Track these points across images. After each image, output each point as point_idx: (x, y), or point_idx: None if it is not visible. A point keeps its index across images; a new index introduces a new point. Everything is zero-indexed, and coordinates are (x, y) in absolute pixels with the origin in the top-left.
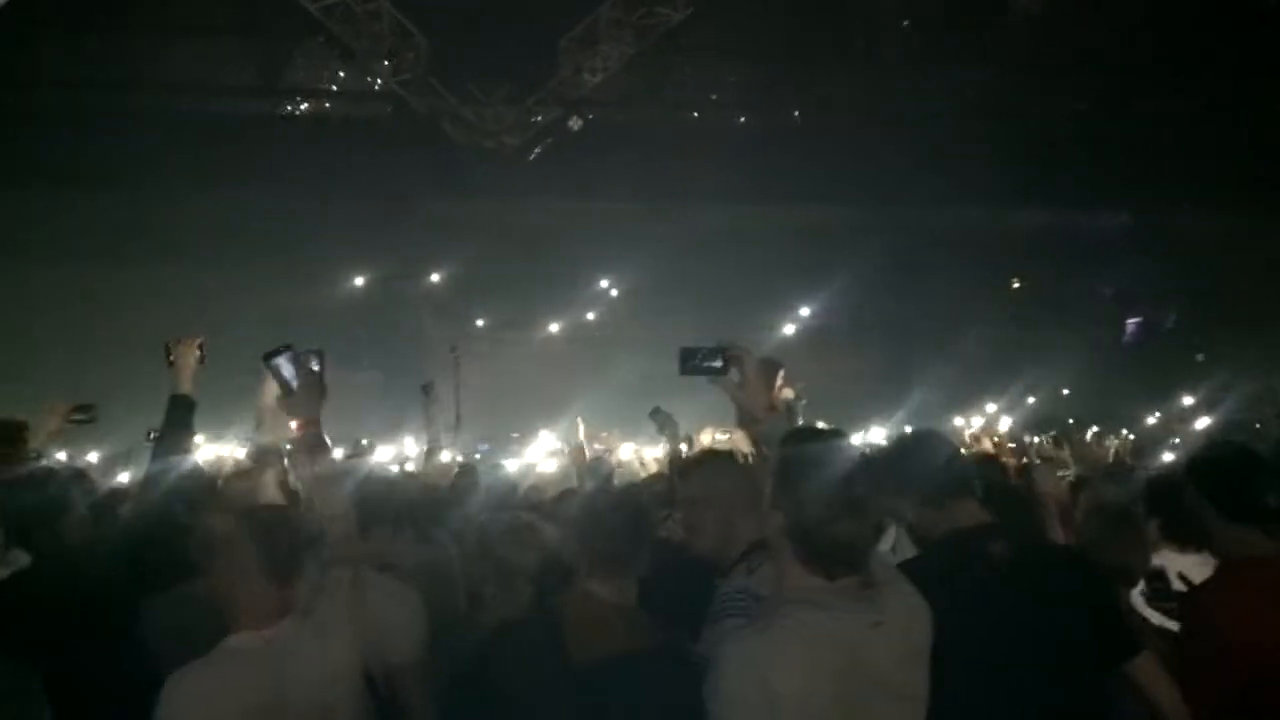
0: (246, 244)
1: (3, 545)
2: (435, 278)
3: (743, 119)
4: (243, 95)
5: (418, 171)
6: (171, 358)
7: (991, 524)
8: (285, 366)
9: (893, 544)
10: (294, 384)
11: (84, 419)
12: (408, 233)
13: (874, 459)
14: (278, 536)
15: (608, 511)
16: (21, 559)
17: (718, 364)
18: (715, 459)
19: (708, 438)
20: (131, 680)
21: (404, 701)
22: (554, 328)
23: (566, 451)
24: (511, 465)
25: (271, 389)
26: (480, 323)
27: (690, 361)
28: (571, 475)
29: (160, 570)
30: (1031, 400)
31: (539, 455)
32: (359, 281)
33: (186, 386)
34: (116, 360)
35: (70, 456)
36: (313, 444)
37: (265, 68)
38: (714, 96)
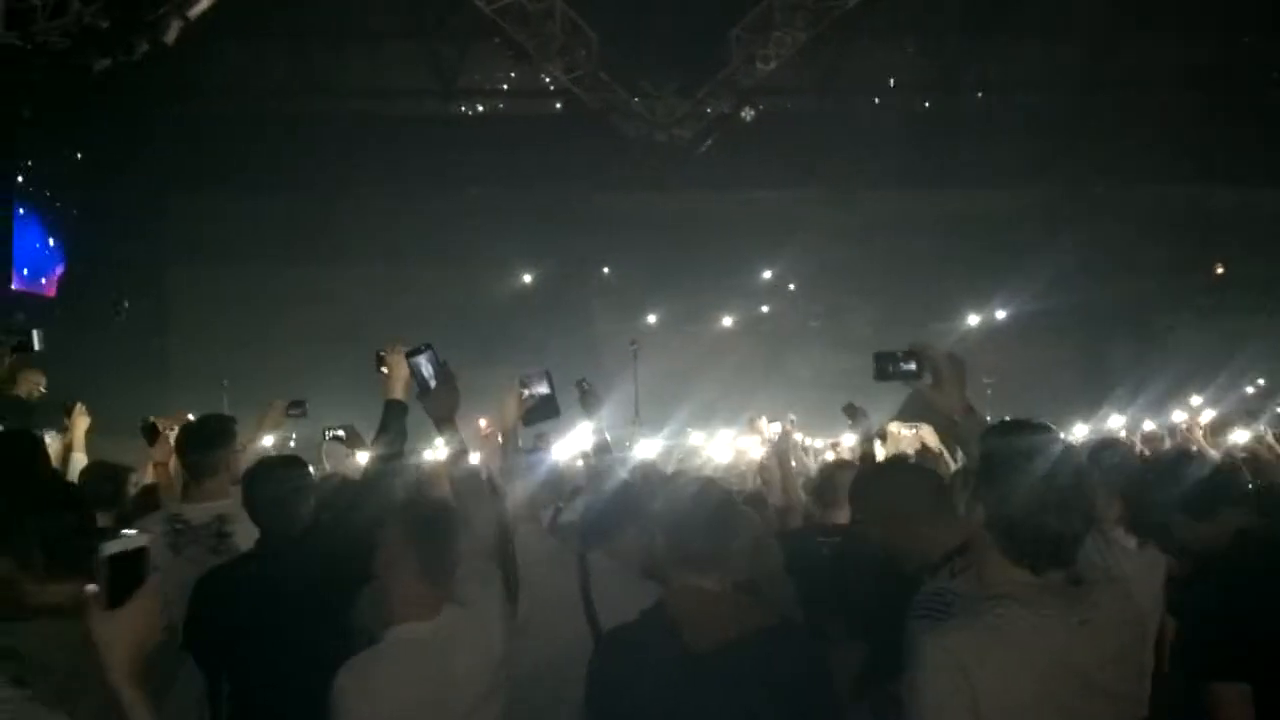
0: (422, 243)
1: (218, 529)
2: (607, 272)
3: (924, 103)
4: (417, 98)
5: (589, 167)
6: (384, 366)
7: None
8: (425, 365)
9: None
10: (432, 382)
11: (298, 414)
12: (580, 228)
13: (1138, 476)
14: (434, 533)
15: (692, 509)
16: (245, 539)
17: (912, 367)
18: (898, 467)
19: (895, 431)
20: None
21: None
22: (727, 321)
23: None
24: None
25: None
26: (653, 317)
27: (885, 366)
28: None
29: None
30: (1250, 391)
31: (717, 449)
32: (532, 278)
33: (399, 393)
34: (298, 355)
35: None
36: (450, 441)
37: (439, 70)
38: (892, 80)
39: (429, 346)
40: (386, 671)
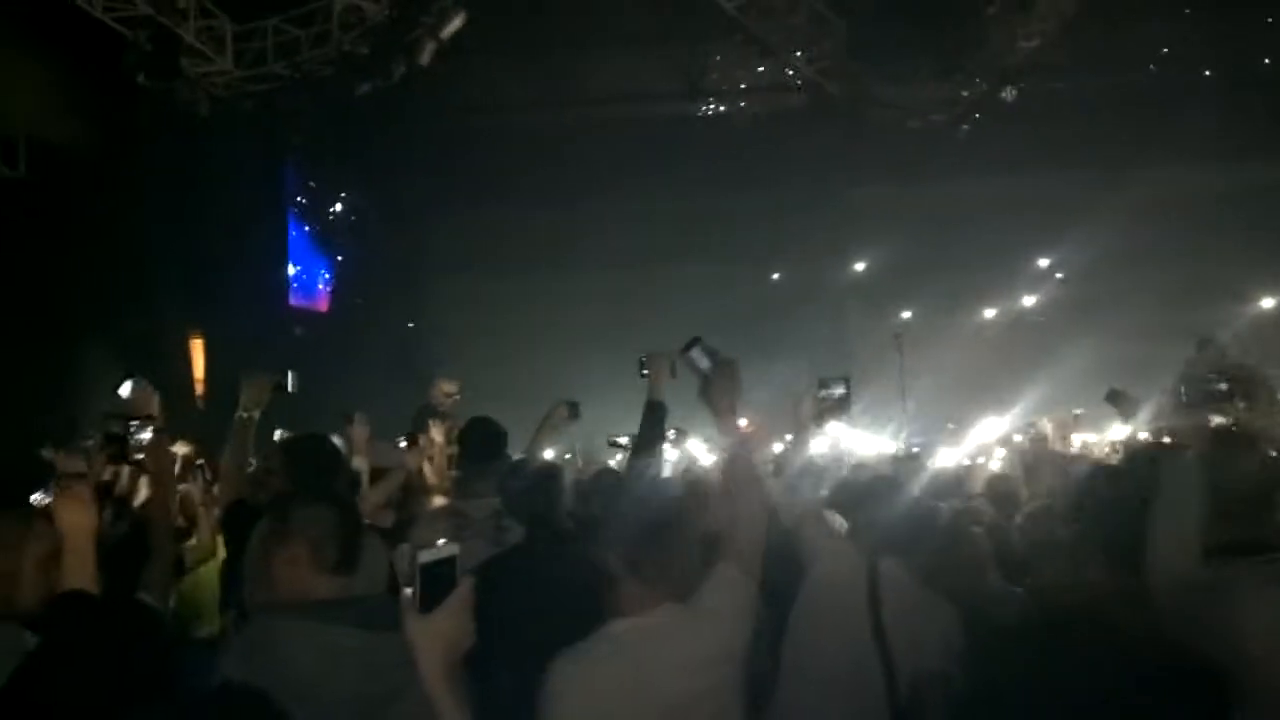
0: (672, 246)
1: (495, 523)
2: (860, 266)
3: (1206, 72)
4: (662, 101)
5: (839, 159)
6: (645, 371)
7: None
8: (700, 358)
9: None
10: (710, 375)
11: (573, 416)
12: (830, 223)
13: None
14: (653, 531)
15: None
16: (516, 533)
17: (1223, 388)
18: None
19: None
20: None
21: (922, 705)
22: (990, 313)
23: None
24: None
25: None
26: (909, 312)
27: (1194, 389)
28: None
29: None
30: None
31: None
32: (782, 275)
33: (660, 395)
34: (559, 360)
35: None
36: (728, 433)
37: (683, 72)
38: (1165, 50)
39: (698, 340)
40: (596, 665)
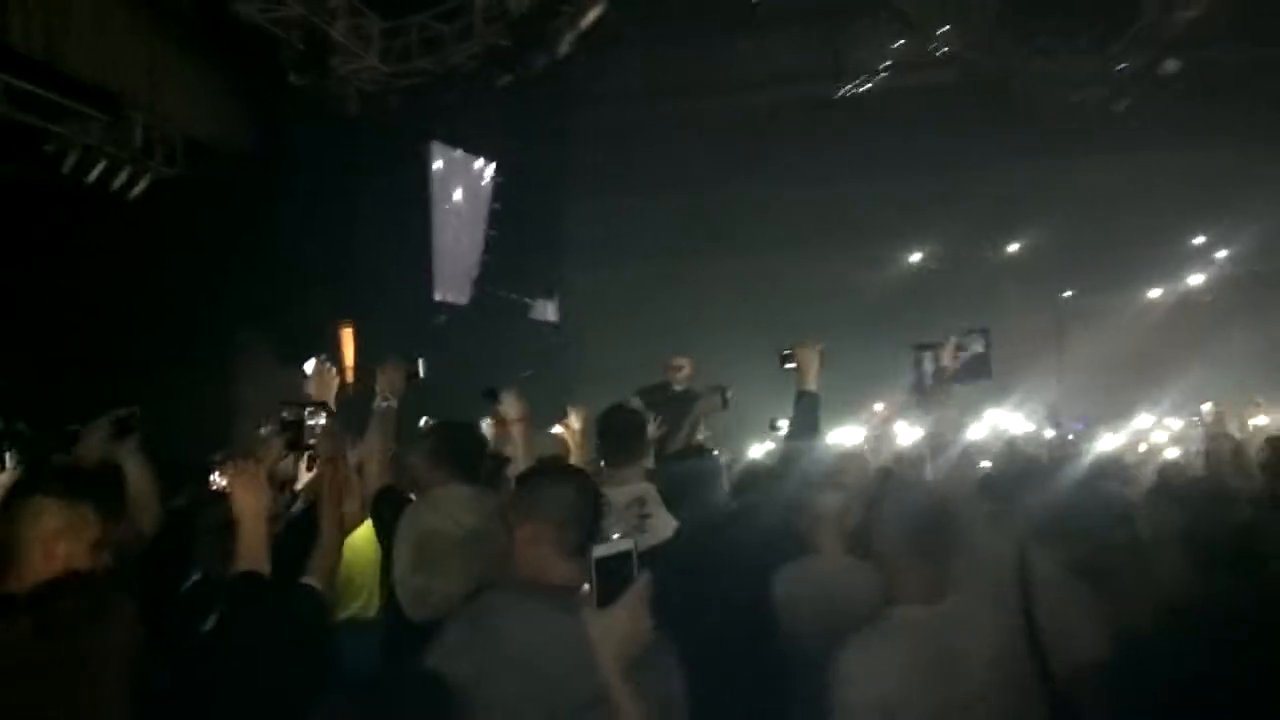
0: (817, 229)
1: (638, 511)
2: (1014, 247)
3: None
4: (805, 82)
5: (989, 136)
6: (792, 362)
7: None
8: (928, 363)
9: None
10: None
11: (724, 406)
12: (981, 203)
13: None
14: (930, 515)
15: None
16: (669, 524)
17: None
18: None
19: None
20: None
21: (1081, 702)
22: (1153, 293)
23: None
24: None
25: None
26: (1067, 293)
27: None
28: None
29: (784, 544)
30: None
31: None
32: (930, 257)
33: (810, 384)
34: (705, 348)
35: None
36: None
37: (825, 52)
38: None
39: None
40: (886, 651)
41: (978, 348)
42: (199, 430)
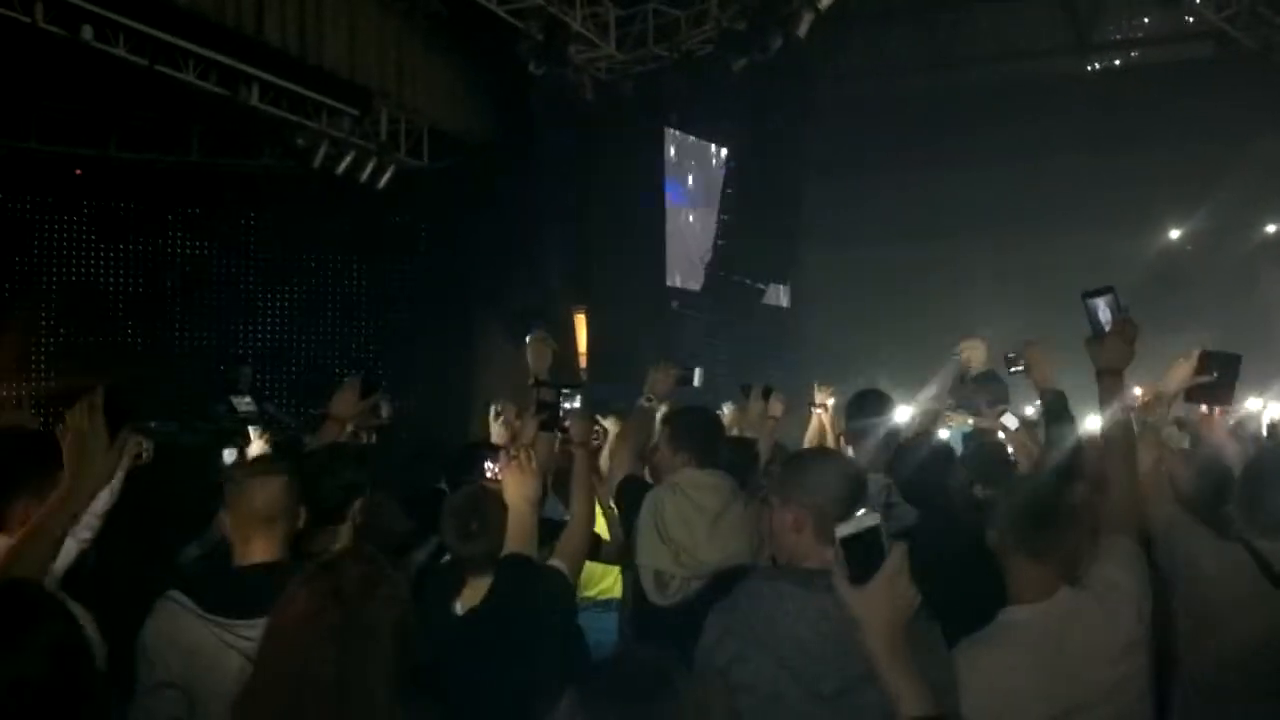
0: (1063, 209)
1: (885, 498)
2: (1272, 228)
3: None
4: (1050, 58)
5: (1247, 113)
6: (1019, 365)
7: None
8: (1102, 309)
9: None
10: (1105, 327)
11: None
12: (1238, 179)
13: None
14: (1040, 510)
15: None
16: (910, 515)
17: None
18: None
19: None
20: None
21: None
22: None
23: None
24: None
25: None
26: None
27: None
28: None
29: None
30: None
31: None
32: (1182, 237)
33: (1049, 382)
34: (938, 331)
35: None
36: (1116, 391)
37: (1072, 26)
38: None
39: (1111, 289)
40: (995, 654)
41: (1215, 374)
42: (441, 410)
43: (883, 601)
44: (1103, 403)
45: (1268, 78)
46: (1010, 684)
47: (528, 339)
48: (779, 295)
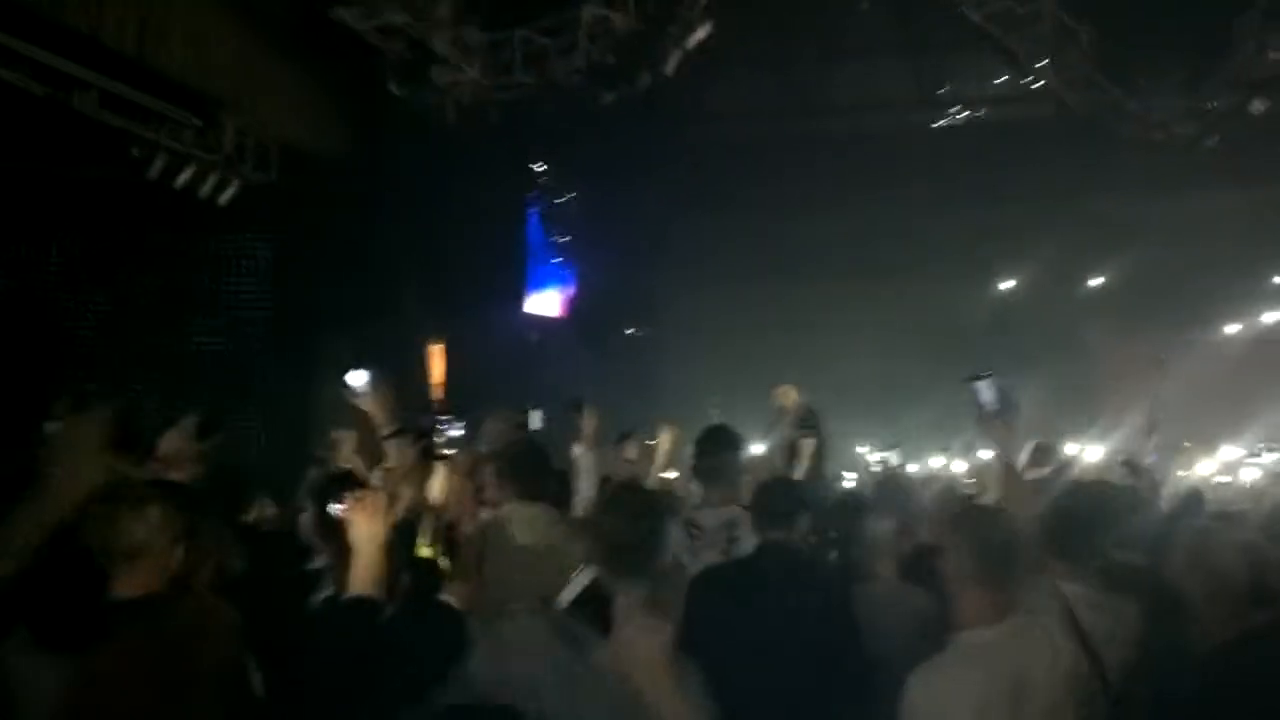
0: (904, 257)
1: (728, 534)
2: (1096, 281)
3: None
4: (903, 111)
5: (1080, 171)
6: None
7: None
8: (984, 391)
9: None
10: (988, 407)
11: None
12: (1068, 234)
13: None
14: (989, 539)
15: None
16: (749, 547)
17: None
18: None
19: None
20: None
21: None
22: (1231, 329)
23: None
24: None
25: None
26: (1147, 325)
27: None
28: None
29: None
30: None
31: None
32: (1015, 287)
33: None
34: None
35: None
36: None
37: (923, 82)
38: None
39: (990, 374)
40: (952, 676)
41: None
42: (276, 437)
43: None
44: (1000, 473)
45: (1098, 140)
46: (967, 702)
47: (358, 380)
48: (639, 329)
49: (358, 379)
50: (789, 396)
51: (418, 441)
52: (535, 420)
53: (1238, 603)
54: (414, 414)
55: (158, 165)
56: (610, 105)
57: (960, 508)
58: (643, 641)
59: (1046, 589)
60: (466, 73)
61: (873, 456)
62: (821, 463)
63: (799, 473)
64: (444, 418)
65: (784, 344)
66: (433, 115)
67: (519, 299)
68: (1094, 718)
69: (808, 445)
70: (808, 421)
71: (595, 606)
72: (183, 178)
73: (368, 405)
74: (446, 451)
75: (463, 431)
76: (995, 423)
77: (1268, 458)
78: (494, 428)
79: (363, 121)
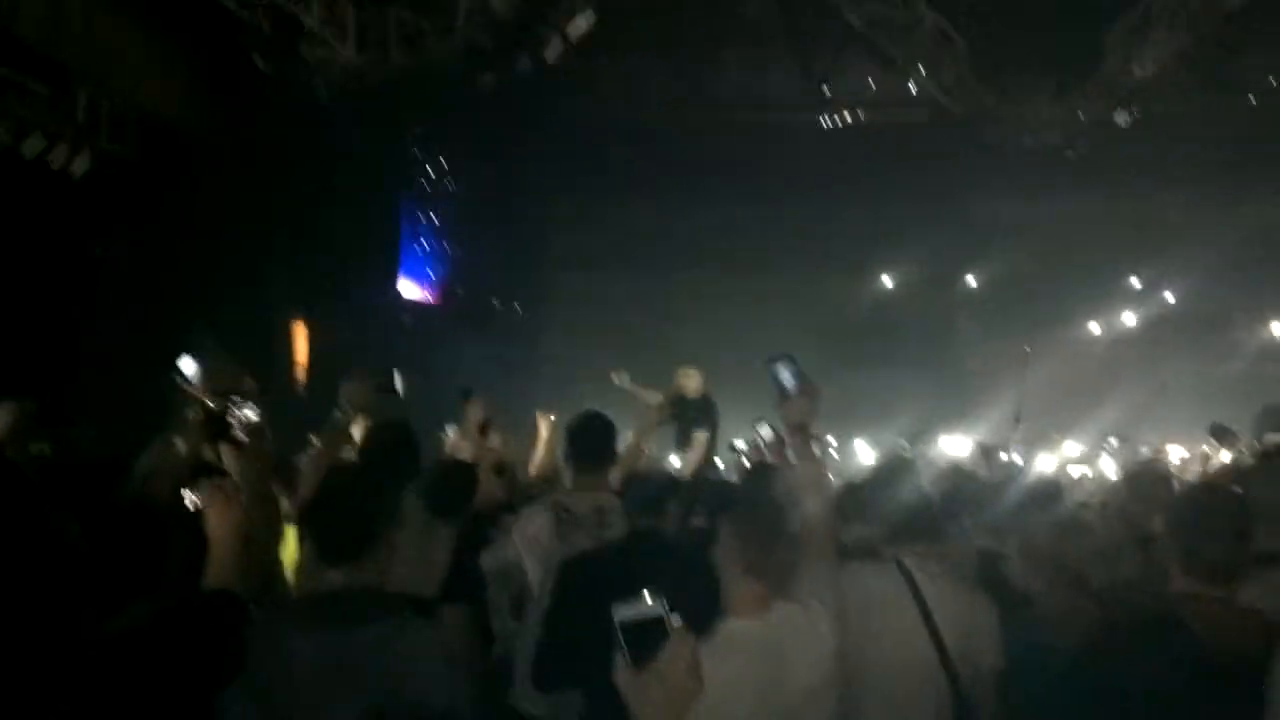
0: (788, 252)
1: (599, 519)
2: (972, 280)
3: None
4: (791, 109)
5: (956, 174)
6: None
7: None
8: (784, 373)
9: None
10: (788, 388)
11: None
12: (944, 234)
13: None
14: (761, 528)
15: (1207, 513)
16: (619, 532)
17: None
18: None
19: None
20: None
21: (977, 702)
22: (1094, 328)
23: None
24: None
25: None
26: (1016, 325)
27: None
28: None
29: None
30: None
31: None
32: (893, 286)
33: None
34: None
35: None
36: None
37: (810, 80)
38: (1275, 81)
39: (790, 356)
40: (720, 663)
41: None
42: (141, 422)
43: (657, 692)
44: (797, 454)
45: (972, 145)
46: (728, 689)
47: (190, 367)
48: (516, 314)
49: (188, 365)
50: (691, 381)
51: (210, 426)
52: (398, 382)
53: (1080, 592)
54: (211, 392)
55: (0, 132)
56: (492, 87)
57: (729, 498)
58: None
59: (825, 578)
60: (338, 50)
61: (743, 446)
62: (712, 455)
63: (689, 463)
64: (235, 397)
65: (662, 329)
66: (304, 92)
67: (391, 280)
68: (940, 705)
69: (700, 437)
70: (705, 412)
71: None
72: (29, 145)
73: (199, 392)
74: (240, 437)
75: (257, 416)
76: (796, 403)
77: (1117, 448)
78: (352, 388)
79: (232, 95)
